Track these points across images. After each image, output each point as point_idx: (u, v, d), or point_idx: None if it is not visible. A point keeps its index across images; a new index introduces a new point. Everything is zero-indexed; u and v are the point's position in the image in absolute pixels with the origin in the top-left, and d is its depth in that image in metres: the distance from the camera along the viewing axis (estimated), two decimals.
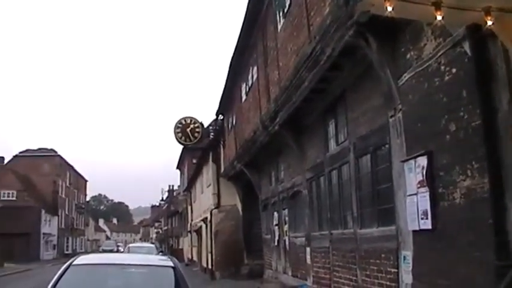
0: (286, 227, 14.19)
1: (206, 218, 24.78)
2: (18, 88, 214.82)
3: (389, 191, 7.11)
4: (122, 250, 44.64)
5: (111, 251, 36.98)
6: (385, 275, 7.21)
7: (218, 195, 22.56)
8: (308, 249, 11.57)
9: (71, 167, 66.90)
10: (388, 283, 7.12)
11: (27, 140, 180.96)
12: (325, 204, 10.45)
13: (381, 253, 7.39)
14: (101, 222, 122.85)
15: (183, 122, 26.30)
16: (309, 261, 11.52)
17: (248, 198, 20.28)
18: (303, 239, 12.04)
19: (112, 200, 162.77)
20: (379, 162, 7.68)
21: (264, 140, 13.60)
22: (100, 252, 28.82)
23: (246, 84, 16.17)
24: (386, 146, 7.26)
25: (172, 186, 62.26)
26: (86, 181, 78.11)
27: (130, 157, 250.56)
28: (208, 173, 24.62)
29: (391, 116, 6.93)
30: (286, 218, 14.12)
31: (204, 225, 26.56)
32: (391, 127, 6.96)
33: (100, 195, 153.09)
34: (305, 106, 10.21)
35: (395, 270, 6.85)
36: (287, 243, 14.02)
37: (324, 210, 10.55)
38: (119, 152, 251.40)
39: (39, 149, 61.25)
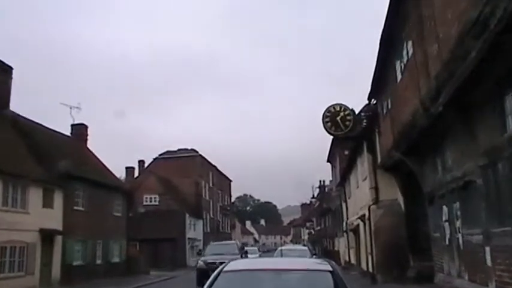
0: (458, 223, 13.63)
1: (364, 215, 24.69)
2: (152, 90, 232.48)
3: None
4: (256, 255, 35.69)
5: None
6: None
7: (376, 189, 22.34)
8: (487, 248, 10.99)
9: (214, 166, 70.13)
10: None
11: (166, 141, 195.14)
12: (505, 194, 9.83)
13: None
14: (248, 224, 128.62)
15: (332, 110, 26.33)
16: (489, 263, 10.94)
17: (411, 190, 19.79)
18: (480, 236, 11.46)
19: (258, 200, 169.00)
20: None
21: (425, 123, 13.20)
22: (202, 267, 23.43)
23: (400, 62, 15.82)
24: None
25: (324, 181, 63.12)
26: (230, 181, 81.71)
27: (276, 153, 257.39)
28: (363, 164, 24.51)
29: None
30: (458, 213, 13.55)
31: (361, 224, 26.49)
32: None
33: (245, 195, 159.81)
34: (473, 81, 9.69)
35: None
36: (460, 241, 13.46)
37: (504, 202, 9.93)
38: (263, 149, 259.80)
39: (179, 149, 65.44)
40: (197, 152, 64.68)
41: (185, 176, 60.57)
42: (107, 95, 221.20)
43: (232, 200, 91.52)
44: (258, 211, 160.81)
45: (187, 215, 55.36)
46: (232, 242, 34.22)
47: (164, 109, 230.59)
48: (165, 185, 57.03)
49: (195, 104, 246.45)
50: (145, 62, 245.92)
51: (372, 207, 22.48)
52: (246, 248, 33.87)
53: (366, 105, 25.25)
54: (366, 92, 21.46)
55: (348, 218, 34.12)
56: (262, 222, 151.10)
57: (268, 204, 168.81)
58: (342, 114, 26.19)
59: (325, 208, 56.39)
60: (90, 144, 38.88)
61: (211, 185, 67.97)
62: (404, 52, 14.93)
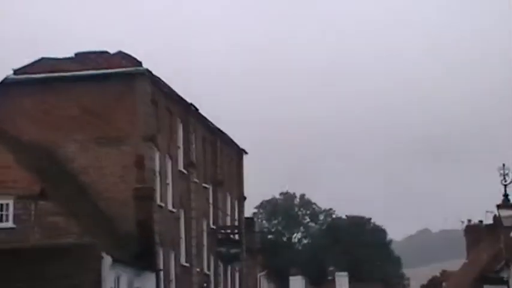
0: None
1: None
2: None
3: None
4: None
5: None
6: None
7: None
8: None
9: (192, 108, 64.51)
10: None
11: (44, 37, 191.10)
12: None
13: None
14: (297, 283, 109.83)
15: None
16: None
17: None
18: None
19: (330, 212, 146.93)
20: None
21: None
22: None
23: None
24: None
25: None
26: (242, 153, 79.37)
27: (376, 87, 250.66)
28: None
29: None
30: None
31: None
32: None
33: (289, 194, 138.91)
34: None
35: None
36: None
37: None
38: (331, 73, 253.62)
39: (80, 55, 58.06)
40: (138, 61, 55.01)
41: (100, 139, 53.77)
42: None
43: (251, 211, 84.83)
44: (327, 245, 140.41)
45: (107, 261, 44.69)
46: None
47: None
48: (38, 169, 48.36)
49: None
50: None
51: None
52: None
53: None
54: None
55: None
56: (342, 279, 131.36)
57: (358, 222, 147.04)
58: None
59: None
60: None
61: (181, 167, 60.93)
62: None
